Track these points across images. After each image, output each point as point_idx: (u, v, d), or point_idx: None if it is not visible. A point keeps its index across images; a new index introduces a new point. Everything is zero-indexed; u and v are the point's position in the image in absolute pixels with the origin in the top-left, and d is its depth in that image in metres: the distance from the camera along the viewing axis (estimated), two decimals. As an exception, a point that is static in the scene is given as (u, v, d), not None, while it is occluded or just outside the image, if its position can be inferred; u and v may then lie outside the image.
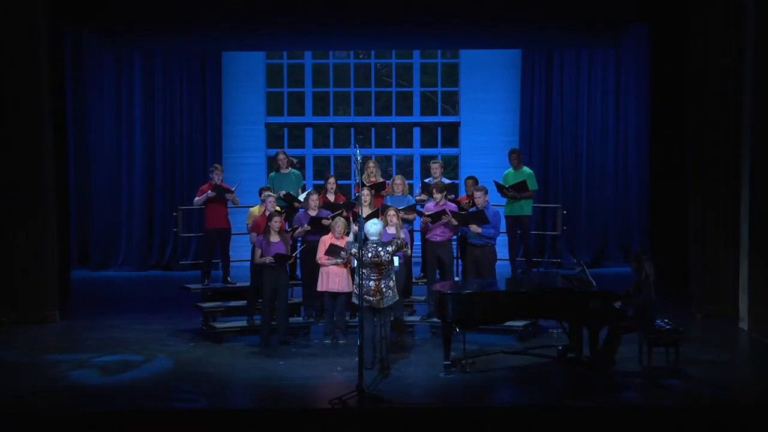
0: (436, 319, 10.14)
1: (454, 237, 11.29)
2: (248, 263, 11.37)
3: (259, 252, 10.47)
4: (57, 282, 11.93)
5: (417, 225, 11.72)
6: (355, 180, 12.16)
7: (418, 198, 11.83)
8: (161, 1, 12.67)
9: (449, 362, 9.19)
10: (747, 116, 11.13)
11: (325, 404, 8.01)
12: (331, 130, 17.21)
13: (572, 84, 16.30)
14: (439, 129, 17.16)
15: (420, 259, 11.91)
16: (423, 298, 11.50)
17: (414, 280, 11.75)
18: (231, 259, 12.32)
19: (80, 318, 11.95)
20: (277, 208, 11.06)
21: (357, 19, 12.97)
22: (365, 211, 10.64)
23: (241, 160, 16.35)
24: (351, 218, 10.94)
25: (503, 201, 12.60)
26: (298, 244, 11.20)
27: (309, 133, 17.14)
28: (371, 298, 9.26)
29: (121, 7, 12.63)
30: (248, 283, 11.25)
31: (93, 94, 16.18)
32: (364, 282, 9.18)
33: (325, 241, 10.59)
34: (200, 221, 13.16)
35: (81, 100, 16.11)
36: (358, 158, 8.83)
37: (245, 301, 11.28)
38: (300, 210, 11.52)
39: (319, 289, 10.66)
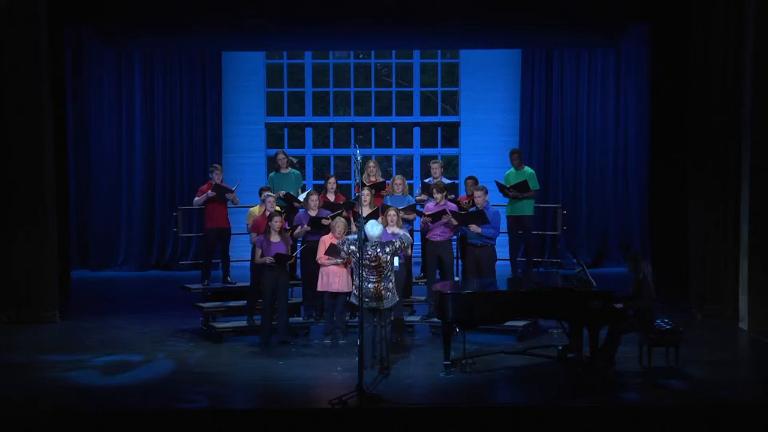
0: (436, 319, 10.15)
1: (454, 237, 11.29)
2: (248, 263, 11.38)
3: (259, 252, 10.47)
4: (57, 282, 11.94)
5: (417, 225, 11.72)
6: (355, 180, 12.16)
7: (418, 198, 11.83)
8: (161, 1, 12.67)
9: (449, 362, 9.19)
10: (747, 116, 11.14)
11: (325, 404, 8.01)
12: (331, 130, 17.21)
13: (572, 84, 16.31)
14: (439, 129, 17.16)
15: (420, 259, 11.91)
16: (423, 298, 11.50)
17: (414, 280, 11.75)
18: (231, 259, 12.32)
19: (80, 318, 11.95)
20: (277, 208, 11.07)
21: (357, 19, 12.97)
22: (365, 211, 10.64)
23: (241, 160, 16.36)
24: (351, 218, 10.94)
25: (504, 201, 12.60)
26: (299, 244, 11.20)
27: (309, 133, 17.14)
28: (372, 302, 9.24)
29: (122, 7, 12.62)
30: (248, 283, 11.26)
31: (93, 93, 16.19)
32: (363, 284, 9.16)
33: (325, 241, 10.59)
34: (200, 221, 13.16)
35: (81, 99, 16.12)
36: (358, 158, 8.83)
37: (245, 301, 11.28)
38: (300, 210, 11.52)
39: (319, 289, 10.66)
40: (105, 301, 13.54)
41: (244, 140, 16.63)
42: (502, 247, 11.85)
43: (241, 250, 12.96)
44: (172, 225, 15.27)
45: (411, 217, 11.29)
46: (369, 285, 9.24)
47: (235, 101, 16.60)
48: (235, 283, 12.01)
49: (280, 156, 12.35)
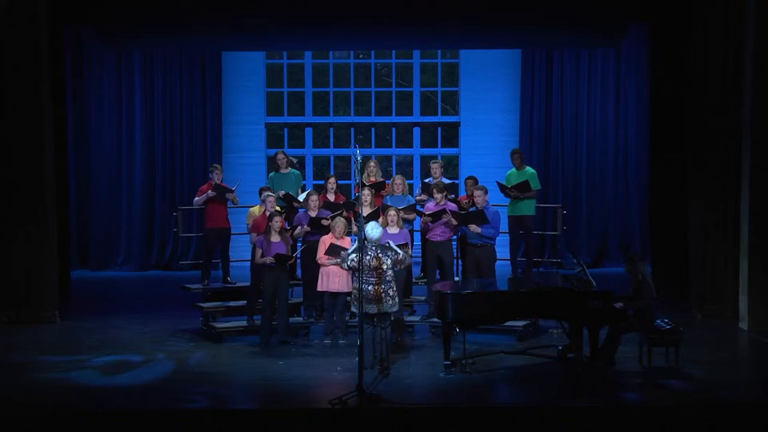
0: (436, 319, 10.15)
1: (454, 237, 11.29)
2: (248, 263, 11.38)
3: (259, 252, 10.47)
4: (57, 282, 11.93)
5: (417, 225, 11.72)
6: (355, 180, 12.16)
7: (418, 198, 11.83)
8: (161, 1, 12.67)
9: (449, 362, 9.19)
10: (747, 116, 11.14)
11: (325, 404, 8.01)
12: (331, 130, 17.21)
13: (572, 84, 16.31)
14: (439, 129, 17.16)
15: (420, 259, 11.91)
16: (423, 298, 11.50)
17: (414, 280, 11.75)
18: (231, 259, 12.32)
19: (80, 318, 11.94)
20: (277, 208, 11.07)
21: (357, 19, 12.97)
22: (365, 211, 10.64)
23: (241, 160, 16.36)
24: (351, 218, 10.94)
25: (505, 201, 12.60)
26: (299, 245, 11.20)
27: (309, 133, 17.14)
28: (372, 305, 9.21)
29: (122, 7, 12.62)
30: (248, 283, 11.26)
31: (93, 93, 16.19)
32: (363, 286, 9.14)
33: (325, 241, 10.59)
34: (200, 221, 13.16)
35: (81, 99, 16.12)
36: (358, 158, 8.82)
37: (245, 301, 11.28)
38: (300, 210, 11.52)
39: (319, 289, 10.66)
40: (105, 301, 13.54)
41: (244, 140, 16.63)
42: (502, 247, 11.85)
43: (241, 250, 12.96)
44: (172, 225, 15.27)
45: (411, 217, 11.29)
46: (369, 287, 9.23)
47: (235, 101, 16.60)
48: (235, 283, 12.01)
49: (279, 156, 12.35)
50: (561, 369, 9.42)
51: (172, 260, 16.13)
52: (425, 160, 16.17)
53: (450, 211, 10.84)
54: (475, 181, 11.79)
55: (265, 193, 11.21)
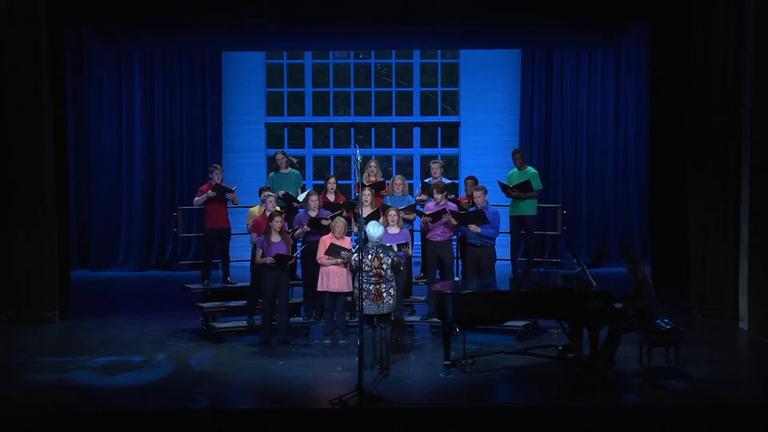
0: (436, 319, 10.15)
1: (454, 237, 11.29)
2: (248, 263, 11.38)
3: (260, 252, 10.47)
4: (57, 282, 11.93)
5: (417, 225, 11.72)
6: (355, 180, 12.16)
7: (418, 198, 11.83)
8: (161, 1, 12.67)
9: (449, 362, 9.19)
10: (747, 116, 11.14)
11: (325, 404, 8.01)
12: (331, 130, 17.21)
13: (572, 84, 16.31)
14: (439, 129, 17.16)
15: (420, 259, 11.91)
16: (423, 298, 11.50)
17: (414, 280, 11.75)
18: (231, 259, 12.32)
19: (80, 318, 11.94)
20: (277, 208, 11.07)
21: (357, 19, 12.97)
22: (366, 211, 10.64)
23: (241, 160, 16.36)
24: (351, 218, 10.94)
25: (506, 201, 12.60)
26: (299, 245, 11.20)
27: (309, 133, 17.14)
28: (372, 306, 9.21)
29: (122, 7, 12.62)
30: (248, 283, 11.26)
31: (93, 93, 16.19)
32: (364, 286, 9.15)
33: (325, 241, 10.58)
34: (200, 221, 13.16)
35: (81, 99, 16.12)
36: (358, 158, 8.82)
37: (245, 301, 11.28)
38: (300, 210, 11.52)
39: (319, 289, 10.66)
40: (105, 301, 13.53)
41: (244, 140, 16.62)
42: (502, 247, 11.85)
43: (241, 250, 12.96)
44: (172, 225, 15.27)
45: (411, 217, 11.29)
46: (369, 287, 9.23)
47: (235, 101, 16.60)
48: (235, 283, 12.01)
49: (279, 156, 12.36)
50: (561, 369, 9.42)
51: (172, 260, 16.13)
52: (425, 160, 16.17)
53: (450, 211, 10.85)
54: (475, 181, 11.79)
55: (265, 193, 11.21)
